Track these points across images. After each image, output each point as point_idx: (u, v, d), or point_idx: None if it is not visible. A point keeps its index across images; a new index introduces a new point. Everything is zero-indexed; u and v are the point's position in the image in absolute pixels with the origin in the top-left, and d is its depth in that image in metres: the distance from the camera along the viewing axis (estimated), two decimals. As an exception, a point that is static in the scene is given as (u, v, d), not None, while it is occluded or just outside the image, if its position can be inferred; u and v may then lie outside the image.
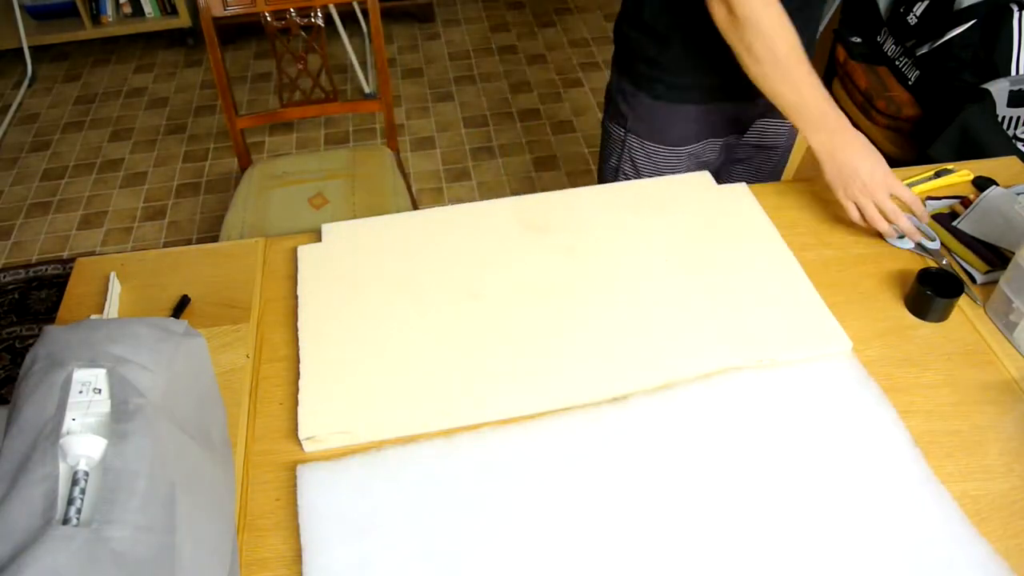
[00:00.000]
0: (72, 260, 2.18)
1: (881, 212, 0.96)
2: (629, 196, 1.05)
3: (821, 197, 1.09)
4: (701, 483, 0.74)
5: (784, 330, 0.87)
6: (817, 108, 0.96)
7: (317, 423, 0.78)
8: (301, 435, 0.77)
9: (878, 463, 0.75)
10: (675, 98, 1.14)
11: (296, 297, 0.93)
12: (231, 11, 1.47)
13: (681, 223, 1.01)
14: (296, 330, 0.89)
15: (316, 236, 1.02)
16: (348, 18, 2.94)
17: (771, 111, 1.08)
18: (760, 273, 0.94)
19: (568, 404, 0.80)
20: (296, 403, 0.80)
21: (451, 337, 0.87)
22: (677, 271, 0.94)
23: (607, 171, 1.29)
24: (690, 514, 0.71)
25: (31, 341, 1.97)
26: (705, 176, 1.08)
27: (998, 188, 1.05)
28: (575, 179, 2.45)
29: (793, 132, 1.26)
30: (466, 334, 0.87)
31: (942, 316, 0.90)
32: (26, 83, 2.94)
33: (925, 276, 0.91)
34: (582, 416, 0.79)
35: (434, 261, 0.96)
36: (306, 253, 0.97)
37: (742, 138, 1.25)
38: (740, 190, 1.06)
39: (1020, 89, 1.54)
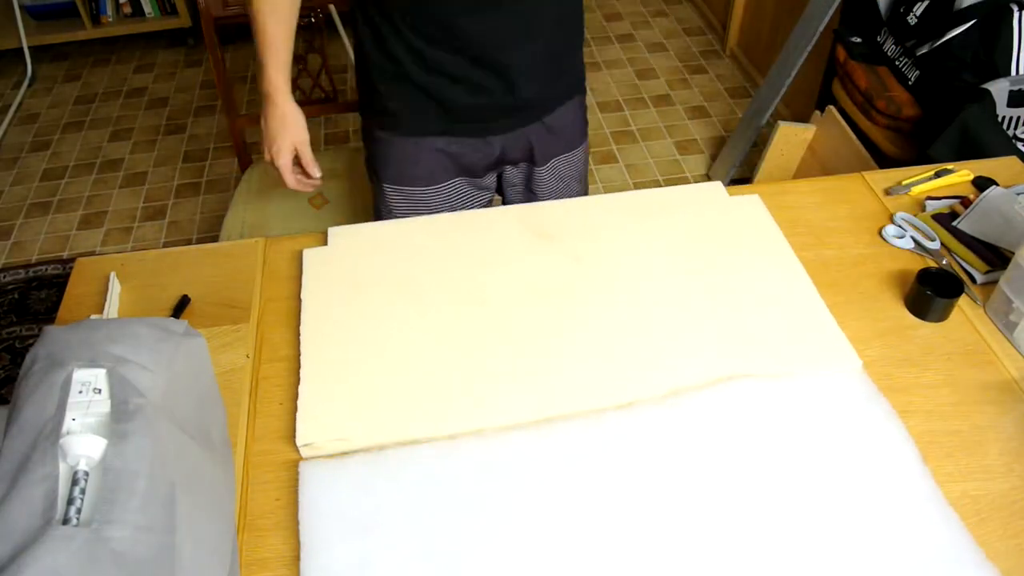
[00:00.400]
0: (72, 260, 2.18)
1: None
2: (637, 204, 1.05)
3: (821, 197, 1.09)
4: (703, 489, 0.73)
5: (793, 346, 0.86)
6: (270, 70, 1.05)
7: (315, 430, 0.78)
8: (299, 441, 0.77)
9: (885, 479, 0.75)
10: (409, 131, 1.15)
11: (297, 297, 0.93)
12: (231, 11, 1.47)
13: (690, 232, 1.00)
14: (297, 330, 0.89)
15: (317, 237, 1.02)
16: (348, 18, 2.94)
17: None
18: (769, 285, 0.93)
19: (572, 410, 0.80)
20: (296, 403, 0.80)
21: (456, 342, 0.87)
22: (684, 280, 0.94)
23: None
24: (690, 519, 0.71)
25: (31, 341, 1.97)
26: (716, 185, 1.08)
27: (998, 188, 1.05)
28: (575, 179, 2.45)
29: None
30: (471, 340, 0.87)
31: (942, 316, 0.90)
32: (26, 83, 2.93)
33: (925, 276, 0.91)
34: (586, 422, 0.79)
35: (441, 266, 0.96)
36: (312, 257, 0.97)
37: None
38: (752, 200, 1.05)
39: (1020, 89, 1.54)
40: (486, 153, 1.16)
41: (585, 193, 1.32)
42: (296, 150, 1.10)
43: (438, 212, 1.14)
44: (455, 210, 1.16)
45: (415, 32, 1.02)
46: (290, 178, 1.11)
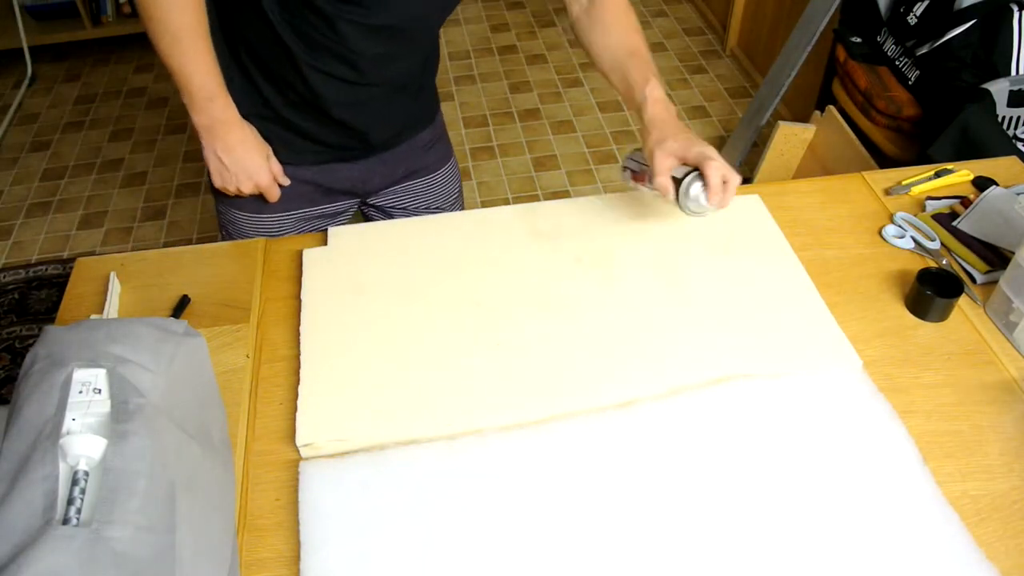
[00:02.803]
0: (72, 260, 2.18)
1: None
2: (639, 204, 1.05)
3: (821, 197, 1.09)
4: (703, 489, 0.73)
5: (793, 345, 0.86)
6: (203, 89, 0.93)
7: (315, 430, 0.78)
8: (299, 441, 0.77)
9: (886, 479, 0.74)
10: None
11: (297, 297, 0.93)
12: (231, 11, 1.46)
13: (690, 232, 1.00)
14: (297, 330, 0.89)
15: (317, 237, 1.03)
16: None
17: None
18: (769, 285, 0.93)
19: (572, 409, 0.80)
20: (296, 403, 0.80)
21: (455, 342, 0.87)
22: (684, 280, 0.94)
23: None
24: (691, 519, 0.71)
25: (31, 341, 1.97)
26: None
27: (998, 188, 1.05)
28: (575, 179, 2.45)
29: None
30: (471, 339, 0.87)
31: (942, 316, 0.90)
32: (26, 83, 2.93)
33: (925, 276, 0.91)
34: (586, 421, 0.79)
35: (440, 267, 0.96)
36: (312, 257, 0.97)
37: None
38: (752, 200, 1.05)
39: (1020, 89, 1.54)
40: (337, 178, 1.12)
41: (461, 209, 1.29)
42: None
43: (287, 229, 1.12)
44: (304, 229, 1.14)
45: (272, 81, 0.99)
46: (276, 192, 1.04)
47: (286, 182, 1.05)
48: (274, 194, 1.04)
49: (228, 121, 0.97)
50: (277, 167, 1.04)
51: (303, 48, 0.93)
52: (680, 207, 0.91)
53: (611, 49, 0.99)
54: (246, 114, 1.00)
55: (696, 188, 0.89)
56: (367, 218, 1.25)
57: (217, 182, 1.01)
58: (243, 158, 0.99)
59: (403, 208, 1.21)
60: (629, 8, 1.03)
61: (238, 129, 0.98)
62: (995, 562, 0.68)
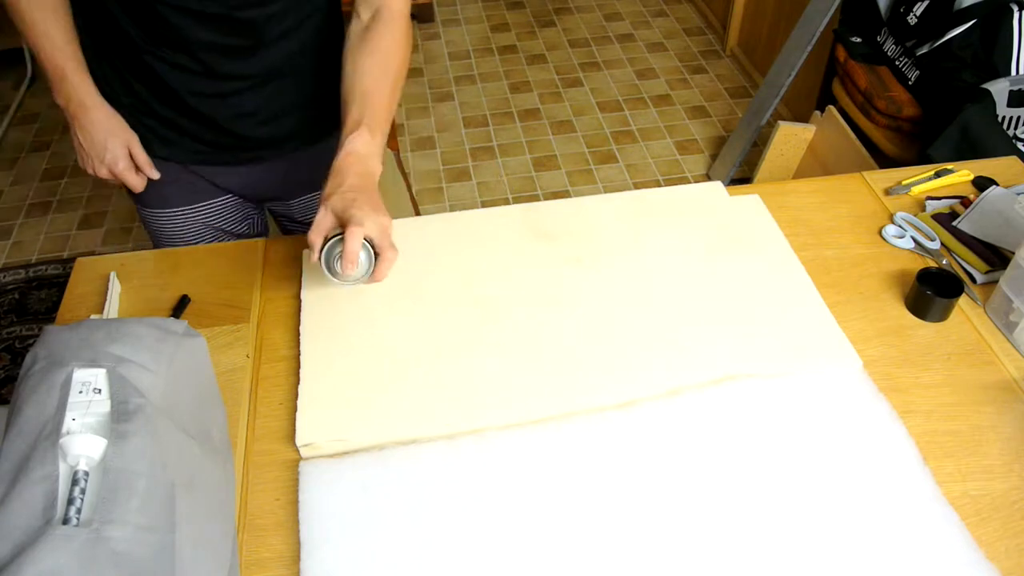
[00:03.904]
0: (72, 260, 2.18)
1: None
2: (639, 205, 1.05)
3: (821, 197, 1.09)
4: (703, 489, 0.73)
5: (793, 345, 0.86)
6: (53, 68, 0.94)
7: (315, 430, 0.78)
8: (299, 441, 0.77)
9: (885, 479, 0.75)
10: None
11: (297, 297, 0.93)
12: (231, 11, 1.46)
13: (690, 232, 1.00)
14: (297, 330, 0.89)
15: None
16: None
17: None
18: (769, 285, 0.93)
19: (572, 409, 0.80)
20: (296, 403, 0.80)
21: (455, 342, 0.87)
22: (684, 280, 0.94)
23: None
24: (690, 518, 0.71)
25: (31, 341, 1.97)
26: (716, 185, 1.07)
27: (998, 188, 1.05)
28: (575, 179, 2.45)
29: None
30: (471, 339, 0.87)
31: (942, 316, 0.90)
32: (26, 83, 2.93)
33: (925, 276, 0.91)
34: (586, 421, 0.79)
35: (441, 266, 0.96)
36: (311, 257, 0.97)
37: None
38: (752, 200, 1.05)
39: (1020, 89, 1.54)
40: (221, 179, 1.09)
41: None
42: (130, 151, 1.00)
43: (203, 232, 1.11)
44: (221, 230, 1.13)
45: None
46: (134, 179, 1.02)
47: (154, 175, 1.03)
48: (132, 182, 1.02)
49: (84, 102, 0.96)
50: (142, 157, 1.01)
51: (141, 35, 0.92)
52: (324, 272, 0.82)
53: (352, 77, 0.91)
54: (121, 104, 0.99)
55: (335, 253, 0.79)
56: (278, 223, 1.21)
57: (80, 164, 1.02)
58: (97, 141, 0.98)
59: (302, 222, 1.17)
60: (400, 45, 0.94)
61: (95, 111, 0.97)
62: (995, 562, 0.68)
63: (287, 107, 1.03)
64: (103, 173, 1.01)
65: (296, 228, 1.21)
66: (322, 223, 0.80)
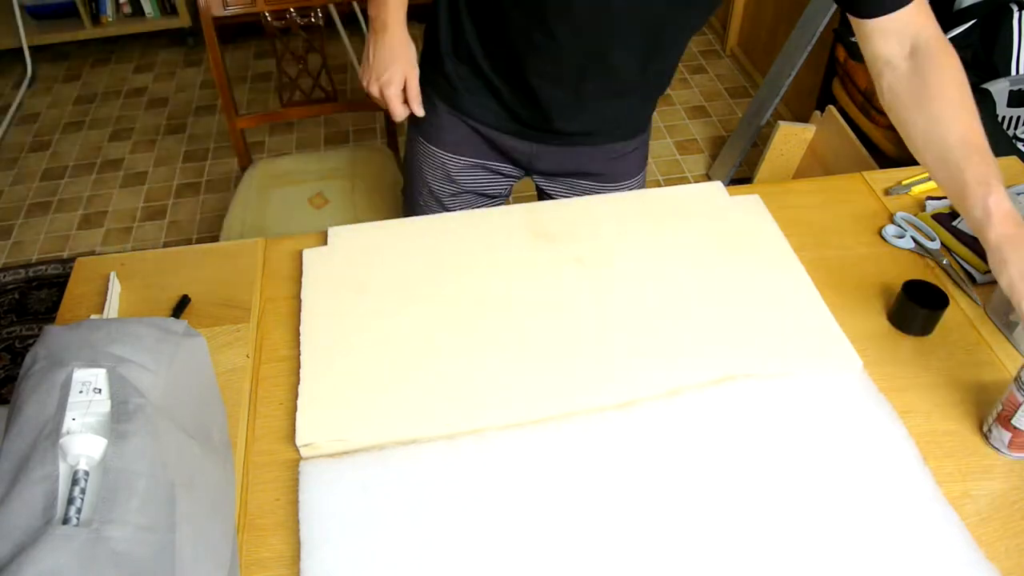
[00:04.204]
0: (72, 260, 2.18)
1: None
2: (639, 205, 1.05)
3: (821, 197, 1.09)
4: (703, 489, 0.74)
5: (793, 346, 0.86)
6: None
7: (315, 430, 0.78)
8: (299, 441, 0.77)
9: (885, 478, 0.75)
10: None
11: (297, 297, 0.93)
12: (231, 11, 1.46)
13: (690, 232, 1.00)
14: (297, 330, 0.89)
15: (317, 237, 1.02)
16: (348, 18, 2.94)
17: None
18: (769, 285, 0.93)
19: (572, 409, 0.80)
20: (296, 403, 0.80)
21: (456, 342, 0.86)
22: (685, 280, 0.94)
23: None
24: (690, 519, 0.71)
25: (31, 341, 1.97)
26: (716, 185, 1.07)
27: (998, 188, 1.05)
28: (575, 179, 2.45)
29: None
30: (471, 339, 0.87)
31: (925, 330, 0.89)
32: (26, 83, 2.93)
33: (910, 288, 0.89)
34: (586, 421, 0.79)
35: (440, 266, 0.96)
36: (311, 257, 0.97)
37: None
38: (752, 200, 1.05)
39: (1020, 89, 1.54)
40: (507, 146, 1.14)
41: None
42: (405, 82, 1.05)
43: (459, 178, 1.17)
44: (475, 185, 1.19)
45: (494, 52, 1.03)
46: (399, 107, 1.05)
47: (419, 112, 1.06)
48: (395, 109, 1.05)
49: (387, 23, 1.02)
50: (415, 91, 1.05)
51: (516, 8, 0.95)
52: None
53: (937, 139, 0.80)
54: (446, 51, 1.06)
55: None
56: (538, 189, 1.25)
57: (359, 76, 1.07)
58: (383, 59, 1.03)
59: (554, 196, 1.20)
60: (961, 74, 0.81)
61: (392, 35, 1.03)
62: (995, 562, 0.68)
63: (601, 105, 1.06)
64: (374, 91, 1.04)
65: (554, 194, 1.23)
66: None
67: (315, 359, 0.85)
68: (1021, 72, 1.59)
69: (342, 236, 1.00)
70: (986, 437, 0.78)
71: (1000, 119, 1.55)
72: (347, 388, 0.82)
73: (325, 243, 1.00)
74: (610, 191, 1.17)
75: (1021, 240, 0.72)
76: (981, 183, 0.75)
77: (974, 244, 0.99)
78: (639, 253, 0.97)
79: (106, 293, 0.93)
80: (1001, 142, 1.52)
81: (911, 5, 0.82)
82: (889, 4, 0.82)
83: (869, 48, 0.85)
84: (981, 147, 0.77)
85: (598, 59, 0.97)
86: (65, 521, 0.55)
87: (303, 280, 0.94)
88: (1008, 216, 0.73)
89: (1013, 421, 0.74)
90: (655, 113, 1.18)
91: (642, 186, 1.22)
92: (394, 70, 1.03)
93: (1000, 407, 0.76)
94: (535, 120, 1.08)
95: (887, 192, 1.09)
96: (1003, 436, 0.76)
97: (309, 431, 0.77)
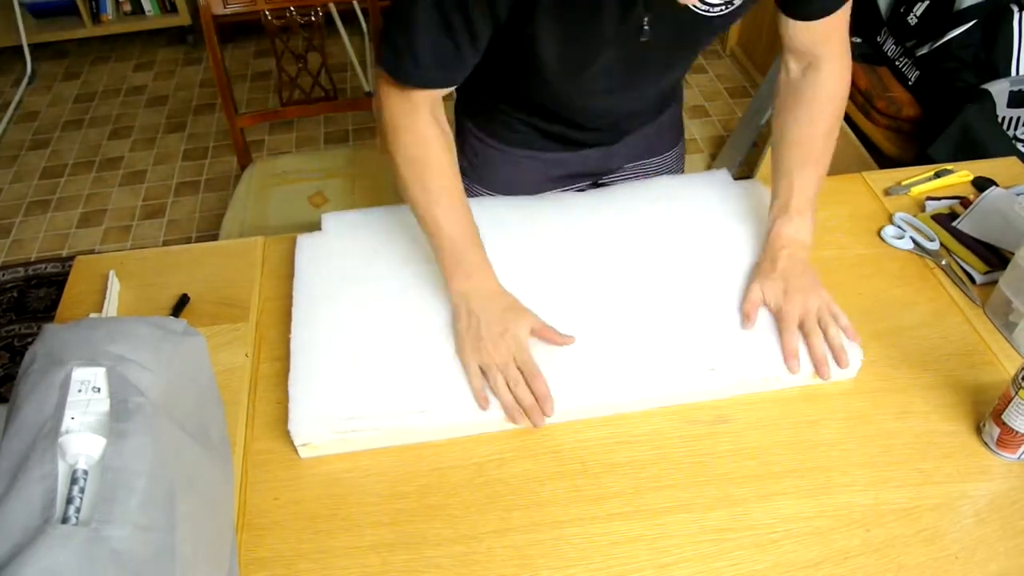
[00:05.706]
0: (71, 258, 2.18)
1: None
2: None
3: (821, 197, 1.08)
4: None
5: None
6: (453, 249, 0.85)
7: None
8: (296, 441, 0.77)
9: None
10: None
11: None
12: (231, 9, 1.46)
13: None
14: (296, 329, 0.89)
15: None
16: (348, 17, 2.94)
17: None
18: None
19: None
20: (295, 402, 0.80)
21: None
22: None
23: None
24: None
25: (30, 340, 1.97)
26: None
27: (998, 188, 1.05)
28: (575, 178, 2.45)
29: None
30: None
31: None
32: (26, 81, 2.93)
33: None
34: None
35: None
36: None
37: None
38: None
39: (1020, 89, 1.54)
40: (576, 162, 1.12)
41: None
42: (534, 334, 0.84)
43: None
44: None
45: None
46: (543, 385, 0.79)
47: (566, 340, 0.84)
48: (540, 386, 0.80)
49: (493, 288, 0.86)
50: (551, 330, 0.84)
51: (574, 89, 0.93)
52: None
53: (785, 146, 0.93)
54: (491, 109, 1.03)
55: None
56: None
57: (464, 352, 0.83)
58: (506, 321, 0.83)
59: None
60: (839, 92, 0.96)
61: (504, 296, 0.86)
62: (995, 562, 0.69)
63: (642, 117, 1.08)
64: (506, 397, 0.80)
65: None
66: (754, 300, 0.88)
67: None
68: (1021, 73, 1.59)
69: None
70: (979, 432, 0.79)
71: (1000, 119, 1.55)
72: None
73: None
74: (651, 163, 1.17)
75: (774, 251, 0.90)
76: (781, 207, 0.92)
77: (973, 244, 0.99)
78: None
79: (105, 292, 0.93)
80: (1001, 142, 1.52)
81: (830, 17, 0.92)
82: (813, 13, 0.91)
83: (785, 40, 0.94)
84: (800, 175, 0.91)
85: (624, 117, 1.04)
86: (64, 520, 0.55)
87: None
88: (779, 235, 0.91)
89: (1003, 416, 0.74)
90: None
91: (679, 163, 1.22)
92: (518, 329, 0.82)
93: (996, 403, 0.76)
94: (596, 142, 1.08)
95: (886, 192, 1.09)
96: (993, 431, 0.76)
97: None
